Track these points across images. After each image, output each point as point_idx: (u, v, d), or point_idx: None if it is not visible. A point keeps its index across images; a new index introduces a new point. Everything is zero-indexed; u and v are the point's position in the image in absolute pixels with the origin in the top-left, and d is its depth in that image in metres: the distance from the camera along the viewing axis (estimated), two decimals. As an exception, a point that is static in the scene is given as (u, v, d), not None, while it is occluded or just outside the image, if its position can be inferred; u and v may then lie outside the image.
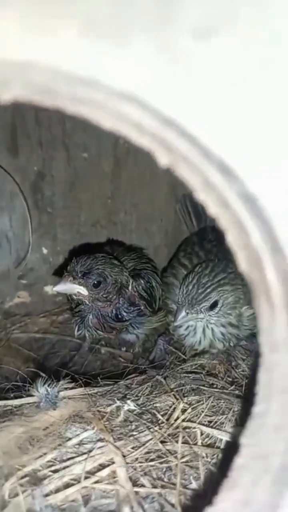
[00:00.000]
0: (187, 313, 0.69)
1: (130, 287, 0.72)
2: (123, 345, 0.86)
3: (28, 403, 0.57)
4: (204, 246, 0.83)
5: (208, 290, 0.69)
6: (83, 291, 0.67)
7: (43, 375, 0.60)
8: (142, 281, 0.74)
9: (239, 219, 0.28)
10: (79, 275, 0.66)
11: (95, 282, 0.67)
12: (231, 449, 0.32)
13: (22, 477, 0.49)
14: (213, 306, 0.70)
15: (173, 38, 0.21)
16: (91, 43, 0.21)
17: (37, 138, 0.89)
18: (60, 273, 0.71)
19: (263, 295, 0.30)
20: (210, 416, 0.58)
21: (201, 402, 0.59)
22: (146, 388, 0.61)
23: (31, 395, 0.57)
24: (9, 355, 0.80)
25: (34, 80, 0.23)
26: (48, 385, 0.55)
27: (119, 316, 0.72)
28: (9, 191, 0.88)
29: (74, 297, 0.69)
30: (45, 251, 0.93)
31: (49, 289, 0.95)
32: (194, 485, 0.50)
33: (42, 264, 0.94)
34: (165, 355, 0.79)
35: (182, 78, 0.21)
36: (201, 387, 0.62)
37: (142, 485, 0.49)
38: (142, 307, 0.73)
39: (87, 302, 0.69)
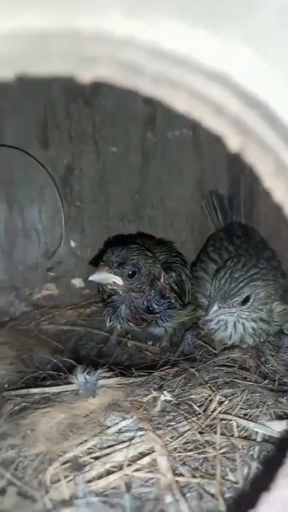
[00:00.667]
0: (219, 307, 0.69)
1: (162, 279, 0.72)
2: (149, 339, 0.86)
3: (66, 391, 0.58)
4: (233, 241, 0.84)
5: (241, 284, 0.69)
6: (118, 281, 0.68)
7: (76, 364, 0.61)
8: (173, 274, 0.75)
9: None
10: (115, 265, 0.67)
11: (130, 272, 0.68)
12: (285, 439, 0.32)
13: (64, 463, 0.49)
14: (245, 301, 0.70)
15: (259, 24, 0.22)
16: (186, 29, 0.21)
17: (67, 132, 0.90)
18: (95, 263, 0.72)
19: None
20: (245, 409, 0.58)
21: (236, 395, 0.59)
22: (180, 380, 0.62)
23: (69, 383, 0.58)
24: (38, 345, 0.81)
25: (122, 57, 0.24)
26: (87, 373, 0.56)
27: (150, 308, 0.73)
28: (39, 182, 0.89)
29: (108, 287, 0.70)
30: (73, 244, 0.94)
31: (76, 282, 0.96)
32: (231, 476, 0.50)
33: (70, 257, 0.95)
34: (193, 349, 0.80)
35: (272, 60, 0.22)
36: (235, 380, 0.62)
37: (181, 475, 0.49)
38: (172, 300, 0.74)
39: (121, 293, 0.70)
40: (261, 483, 0.32)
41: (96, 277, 0.67)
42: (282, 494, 0.31)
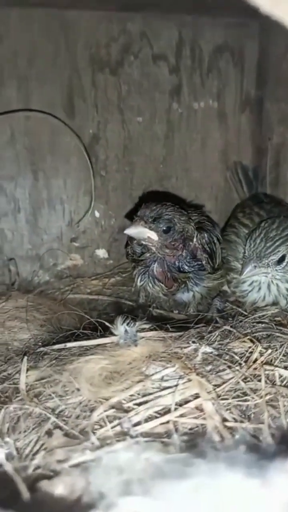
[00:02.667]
0: (255, 266, 0.68)
1: (194, 239, 0.71)
2: (175, 308, 0.85)
3: (105, 344, 0.57)
4: (263, 207, 0.83)
5: (277, 243, 0.69)
6: (154, 236, 0.67)
7: (108, 324, 0.60)
8: (205, 235, 0.74)
9: None
10: (150, 220, 0.66)
11: (165, 228, 0.67)
12: None
13: (109, 408, 0.49)
14: (281, 260, 0.70)
15: None
16: None
17: (93, 101, 0.90)
18: (131, 218, 0.71)
19: None
20: (285, 361, 0.57)
21: (275, 348, 0.58)
22: (218, 335, 0.61)
23: (106, 337, 0.57)
24: (67, 314, 0.80)
25: None
26: (127, 324, 0.55)
27: (181, 269, 0.72)
28: (65, 152, 0.89)
29: (141, 243, 0.69)
30: (97, 214, 0.94)
31: (100, 252, 0.95)
32: (274, 424, 0.49)
33: (94, 227, 0.94)
34: (224, 313, 0.79)
35: None
36: (274, 333, 0.61)
37: (227, 420, 0.48)
38: (204, 262, 0.73)
39: (154, 250, 0.69)
40: None
41: (131, 231, 0.66)
42: None
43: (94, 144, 0.91)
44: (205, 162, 0.96)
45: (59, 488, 0.37)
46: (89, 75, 0.89)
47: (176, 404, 0.49)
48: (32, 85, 0.86)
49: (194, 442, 0.41)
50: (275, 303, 0.74)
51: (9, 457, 0.44)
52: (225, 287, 0.83)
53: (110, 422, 0.47)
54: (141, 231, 0.66)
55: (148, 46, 0.90)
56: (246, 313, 0.71)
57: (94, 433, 0.45)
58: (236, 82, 0.95)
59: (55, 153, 0.89)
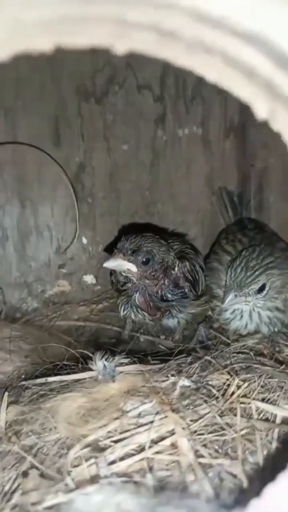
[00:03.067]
0: (235, 295, 0.69)
1: (176, 268, 0.73)
2: (162, 333, 0.86)
3: (84, 378, 0.58)
4: (246, 233, 0.84)
5: (257, 273, 0.70)
6: (133, 267, 0.68)
7: (91, 355, 0.61)
8: (187, 263, 0.76)
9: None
10: (129, 252, 0.68)
11: (144, 259, 0.69)
12: None
13: (85, 447, 0.49)
14: (261, 289, 0.71)
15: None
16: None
17: (79, 130, 0.92)
18: (109, 250, 0.72)
19: None
20: (263, 393, 0.58)
21: (253, 380, 0.59)
22: (198, 367, 0.62)
23: (87, 371, 0.58)
24: (52, 341, 0.81)
25: (162, 23, 0.24)
26: (105, 359, 0.56)
27: (164, 298, 0.73)
28: (52, 180, 0.90)
29: (123, 274, 0.70)
30: (84, 241, 0.95)
31: (88, 278, 0.96)
32: (251, 458, 0.50)
33: (82, 253, 0.95)
34: (207, 340, 0.80)
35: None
36: (252, 365, 0.62)
37: (202, 456, 0.49)
38: (186, 290, 0.74)
39: (135, 280, 0.71)
40: (281, 461, 0.32)
41: (110, 264, 0.68)
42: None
43: (80, 172, 0.93)
44: (190, 187, 0.98)
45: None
46: (75, 105, 0.91)
47: (152, 441, 0.50)
48: (19, 116, 0.88)
49: (164, 485, 0.41)
50: (257, 331, 0.75)
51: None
52: (210, 312, 0.85)
53: (86, 460, 0.48)
54: (120, 264, 0.68)
55: (133, 76, 0.92)
56: (228, 341, 0.72)
57: (69, 473, 0.46)
58: (220, 109, 0.97)
59: (41, 182, 0.90)
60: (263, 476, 0.32)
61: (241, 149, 0.98)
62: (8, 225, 0.91)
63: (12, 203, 0.90)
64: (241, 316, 0.74)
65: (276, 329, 0.76)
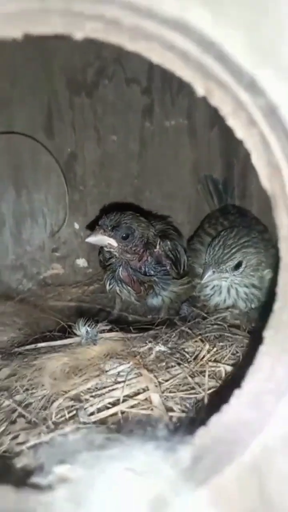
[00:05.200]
0: (213, 271, 0.75)
1: (157, 246, 0.78)
2: (149, 313, 0.91)
3: (70, 344, 0.63)
4: (228, 217, 0.89)
5: (233, 250, 0.75)
6: (113, 242, 0.74)
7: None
8: (169, 242, 0.81)
9: (263, 138, 0.34)
10: (109, 228, 0.73)
11: (124, 234, 0.74)
12: (256, 341, 0.38)
13: (68, 399, 0.55)
14: (238, 266, 0.76)
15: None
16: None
17: (70, 122, 0.97)
18: (92, 227, 0.78)
19: (283, 207, 0.36)
20: (233, 359, 0.63)
21: (225, 347, 0.64)
22: (174, 336, 0.67)
23: (72, 337, 0.64)
24: (45, 318, 0.87)
25: (104, 13, 0.29)
26: (89, 326, 0.62)
27: (147, 273, 0.78)
28: (45, 168, 0.96)
29: (105, 249, 0.76)
30: (76, 226, 1.01)
31: (80, 261, 1.02)
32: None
33: (74, 238, 1.01)
34: (190, 317, 0.85)
35: (218, 7, 0.28)
36: (225, 334, 0.67)
37: (172, 410, 0.54)
38: (168, 267, 0.79)
39: (117, 255, 0.76)
40: (235, 382, 0.37)
41: (92, 239, 0.73)
42: (249, 388, 0.36)
43: (72, 161, 0.99)
44: (177, 176, 1.03)
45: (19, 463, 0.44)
46: (67, 98, 0.96)
47: (127, 396, 0.55)
48: (14, 107, 0.94)
49: (133, 428, 0.47)
50: (234, 306, 0.80)
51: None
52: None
53: (68, 411, 0.54)
54: (100, 239, 0.73)
55: (121, 70, 0.97)
56: (205, 315, 0.77)
57: (52, 420, 0.52)
58: (205, 101, 1.02)
59: (36, 171, 0.96)
60: (210, 409, 0.37)
61: (226, 139, 1.03)
62: (5, 211, 0.96)
63: (8, 191, 0.96)
64: (220, 292, 0.80)
65: (253, 305, 0.81)
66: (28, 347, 0.66)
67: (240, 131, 0.35)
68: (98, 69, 0.96)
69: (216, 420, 0.37)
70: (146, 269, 0.79)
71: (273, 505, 0.33)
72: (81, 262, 1.01)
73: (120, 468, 0.34)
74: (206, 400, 0.52)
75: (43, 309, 0.88)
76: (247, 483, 0.33)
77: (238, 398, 0.36)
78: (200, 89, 0.34)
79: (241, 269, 0.77)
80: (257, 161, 0.36)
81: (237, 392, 0.37)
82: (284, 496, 0.33)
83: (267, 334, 0.37)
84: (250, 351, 0.38)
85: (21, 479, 0.36)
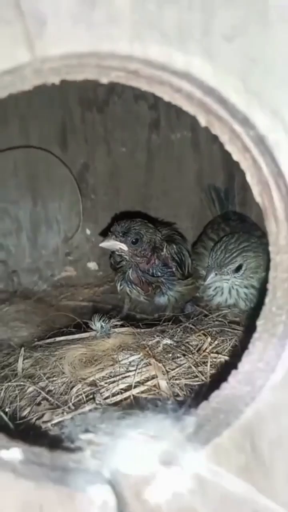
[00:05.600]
0: (216, 274, 0.82)
1: (164, 250, 0.86)
2: (155, 311, 0.99)
3: (86, 337, 0.71)
4: (229, 224, 0.97)
5: (234, 254, 0.82)
6: (124, 247, 0.82)
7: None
8: (174, 246, 0.88)
9: (254, 162, 0.42)
10: (120, 234, 0.81)
11: (133, 240, 0.82)
12: (251, 330, 0.45)
13: (85, 385, 0.62)
14: (238, 269, 0.83)
15: (213, 41, 0.35)
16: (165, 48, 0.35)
17: (83, 135, 1.05)
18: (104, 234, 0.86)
19: (272, 217, 0.43)
20: (233, 351, 0.70)
21: (226, 341, 0.71)
22: (179, 331, 0.74)
23: (87, 331, 0.71)
24: (60, 316, 0.94)
25: (126, 66, 0.37)
26: (103, 321, 0.69)
27: (154, 275, 0.86)
28: (59, 179, 1.04)
29: (117, 253, 0.83)
30: (88, 232, 1.08)
31: (91, 265, 1.09)
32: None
33: (86, 243, 1.09)
34: (193, 315, 0.92)
35: (216, 60, 0.35)
36: (225, 329, 0.74)
37: (178, 395, 0.61)
38: (173, 269, 0.87)
39: (128, 258, 0.84)
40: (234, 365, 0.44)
41: (105, 244, 0.81)
42: (244, 368, 0.43)
43: (84, 172, 1.07)
44: (182, 185, 1.11)
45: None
46: (79, 113, 1.04)
47: (138, 383, 0.62)
48: (31, 123, 1.02)
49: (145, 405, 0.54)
50: (235, 305, 0.87)
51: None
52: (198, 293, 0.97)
53: (86, 396, 0.61)
54: (112, 244, 0.81)
55: (130, 88, 1.05)
56: (207, 313, 0.84)
57: (72, 403, 0.59)
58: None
59: (51, 181, 1.04)
60: (212, 387, 0.44)
61: (227, 151, 1.11)
62: (22, 218, 1.04)
63: (25, 199, 1.04)
64: (222, 293, 0.87)
65: (252, 305, 0.88)
66: (48, 340, 0.73)
67: (235, 155, 0.43)
68: (108, 87, 1.04)
69: (216, 395, 0.44)
70: (154, 271, 0.87)
71: (264, 461, 0.40)
72: (92, 265, 1.09)
73: (136, 432, 0.41)
74: (208, 384, 0.59)
75: (58, 308, 0.96)
76: (242, 442, 0.40)
77: (234, 377, 0.43)
78: (202, 121, 0.41)
79: (241, 272, 0.84)
80: (251, 179, 0.43)
81: (233, 372, 0.44)
82: (273, 453, 0.40)
83: (259, 323, 0.44)
84: (246, 339, 0.45)
85: (53, 444, 0.44)
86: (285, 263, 0.42)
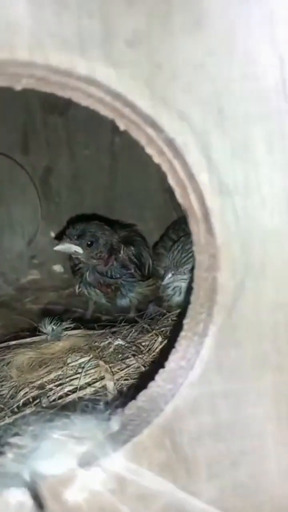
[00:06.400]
0: (173, 274, 0.83)
1: (122, 251, 0.86)
2: (120, 313, 0.99)
3: (38, 341, 0.71)
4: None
5: (190, 254, 0.83)
6: (79, 250, 0.82)
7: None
8: (132, 248, 0.89)
9: (171, 164, 0.42)
10: (75, 237, 0.81)
11: (88, 242, 0.82)
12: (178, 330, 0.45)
13: (33, 389, 0.63)
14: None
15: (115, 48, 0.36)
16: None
17: (45, 139, 1.05)
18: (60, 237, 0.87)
19: (193, 217, 0.44)
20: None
21: (178, 340, 0.72)
22: (134, 331, 0.75)
23: (40, 335, 0.72)
24: (21, 320, 0.94)
25: (34, 73, 0.38)
26: (54, 324, 0.70)
27: (113, 276, 0.86)
28: (21, 183, 1.04)
29: (73, 256, 0.84)
30: (52, 235, 1.09)
31: (56, 267, 1.09)
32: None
33: (50, 246, 1.09)
34: (154, 315, 0.93)
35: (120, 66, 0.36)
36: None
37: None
38: (132, 270, 0.87)
39: (84, 260, 0.84)
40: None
41: (59, 247, 0.82)
42: (169, 367, 0.44)
43: (48, 175, 1.07)
44: (146, 187, 1.11)
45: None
46: (41, 117, 1.05)
47: (86, 384, 0.63)
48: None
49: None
50: (194, 305, 0.88)
51: None
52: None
53: (33, 399, 0.61)
54: (67, 247, 0.82)
55: (91, 91, 1.06)
56: (164, 312, 0.85)
57: (18, 406, 0.59)
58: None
59: (13, 185, 1.04)
60: (142, 387, 0.45)
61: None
62: (-15, 223, 1.04)
63: (-12, 204, 1.04)
64: (180, 292, 0.87)
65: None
66: (1, 345, 0.73)
67: (156, 158, 0.43)
68: (69, 90, 1.04)
69: (142, 394, 0.44)
70: (112, 272, 0.87)
71: (185, 458, 0.41)
72: (58, 268, 1.09)
73: (60, 434, 0.41)
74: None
75: (20, 312, 0.96)
76: (162, 440, 0.40)
77: (160, 375, 0.44)
78: (121, 125, 0.42)
79: (197, 271, 0.85)
80: (171, 181, 0.44)
81: (161, 371, 0.45)
82: (194, 450, 0.41)
83: (185, 321, 0.45)
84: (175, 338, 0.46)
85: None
86: (205, 262, 0.43)
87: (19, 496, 0.37)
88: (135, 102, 0.38)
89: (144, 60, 0.37)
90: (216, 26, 0.38)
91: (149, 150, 0.44)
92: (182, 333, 0.45)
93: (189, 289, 0.85)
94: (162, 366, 0.45)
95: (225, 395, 0.42)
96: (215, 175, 0.40)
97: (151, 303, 0.96)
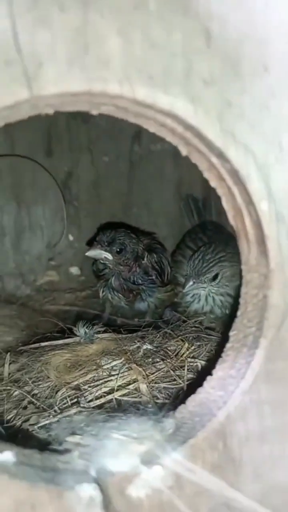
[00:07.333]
0: (194, 282, 0.87)
1: (145, 259, 0.90)
2: (136, 316, 1.03)
3: (70, 343, 0.74)
4: (206, 233, 1.02)
5: (211, 264, 0.87)
6: (109, 256, 0.86)
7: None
8: (154, 255, 0.93)
9: (229, 190, 0.46)
10: (106, 243, 0.85)
11: (118, 249, 0.86)
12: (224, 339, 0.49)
13: (70, 389, 0.66)
14: (214, 277, 0.88)
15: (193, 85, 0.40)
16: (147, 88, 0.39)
17: (67, 144, 1.08)
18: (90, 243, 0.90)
19: (244, 239, 0.48)
20: (208, 356, 0.75)
21: (202, 346, 0.76)
22: (159, 336, 0.79)
23: (72, 337, 0.75)
24: (44, 321, 0.97)
25: (116, 104, 0.41)
26: (86, 327, 0.73)
27: (136, 282, 0.90)
28: (43, 186, 1.07)
29: (101, 262, 0.88)
30: (71, 238, 1.11)
31: (73, 270, 1.12)
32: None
33: (69, 249, 1.12)
34: (172, 321, 0.97)
35: (198, 102, 0.40)
36: (201, 335, 0.79)
37: (157, 398, 0.66)
38: (154, 277, 0.91)
39: (111, 266, 0.88)
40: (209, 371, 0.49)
41: (90, 253, 0.85)
42: (217, 375, 0.48)
43: (68, 179, 1.10)
44: (161, 195, 1.15)
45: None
46: (64, 123, 1.07)
47: (120, 386, 0.66)
48: (16, 131, 1.04)
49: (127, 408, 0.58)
50: (211, 312, 0.93)
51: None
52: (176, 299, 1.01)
53: (71, 400, 0.64)
54: (98, 253, 0.85)
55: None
56: (186, 319, 0.89)
57: (57, 406, 0.63)
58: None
59: (35, 187, 1.07)
60: (189, 392, 0.49)
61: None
62: (6, 223, 1.06)
63: (9, 205, 1.06)
64: (199, 300, 0.92)
65: (227, 311, 0.93)
66: (33, 345, 0.76)
67: (213, 182, 0.47)
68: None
69: (192, 399, 0.48)
70: (135, 278, 0.91)
71: (234, 460, 0.45)
72: (75, 270, 1.12)
73: (119, 434, 0.45)
74: (185, 389, 0.64)
75: (41, 313, 0.98)
76: (215, 443, 0.44)
77: (209, 382, 0.48)
78: (183, 151, 0.46)
79: (217, 280, 0.89)
80: (226, 204, 0.48)
81: (208, 378, 0.49)
82: (242, 451, 0.45)
83: (232, 333, 0.49)
84: (220, 348, 0.50)
85: (42, 447, 0.47)
86: (255, 280, 0.47)
87: (90, 491, 0.41)
88: (206, 134, 0.42)
89: (218, 98, 0.41)
90: (280, 70, 0.42)
91: (207, 174, 0.48)
92: (229, 344, 0.49)
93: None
94: (209, 373, 0.50)
95: (271, 403, 0.46)
96: (273, 204, 0.44)
97: (168, 308, 1.00)
